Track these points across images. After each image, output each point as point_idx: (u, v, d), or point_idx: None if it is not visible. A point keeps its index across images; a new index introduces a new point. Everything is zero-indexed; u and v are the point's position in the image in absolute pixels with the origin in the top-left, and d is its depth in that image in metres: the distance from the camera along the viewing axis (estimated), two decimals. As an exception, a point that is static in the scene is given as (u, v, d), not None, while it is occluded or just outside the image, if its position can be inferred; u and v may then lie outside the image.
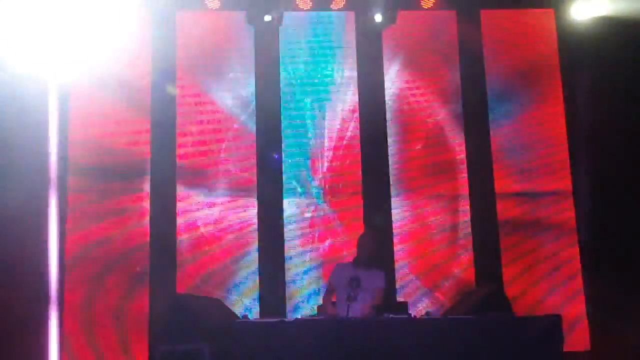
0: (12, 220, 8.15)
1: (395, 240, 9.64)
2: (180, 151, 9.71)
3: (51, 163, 8.85)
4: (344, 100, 10.01)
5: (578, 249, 9.64)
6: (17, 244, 8.28)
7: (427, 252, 9.71)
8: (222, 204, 9.68)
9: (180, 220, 9.56)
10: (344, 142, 9.92)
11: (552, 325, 6.51)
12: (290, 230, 9.68)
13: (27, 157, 8.64)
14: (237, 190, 9.73)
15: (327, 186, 9.82)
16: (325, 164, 9.85)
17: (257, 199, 9.66)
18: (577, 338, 9.09)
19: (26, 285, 8.30)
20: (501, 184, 9.86)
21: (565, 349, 6.56)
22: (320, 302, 7.55)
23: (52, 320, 8.54)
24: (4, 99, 8.37)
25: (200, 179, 9.74)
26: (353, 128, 9.92)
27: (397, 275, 9.45)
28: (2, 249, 8.16)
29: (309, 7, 9.76)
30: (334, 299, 7.31)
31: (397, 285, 9.41)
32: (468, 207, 9.80)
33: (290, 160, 9.83)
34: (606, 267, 9.07)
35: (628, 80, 9.39)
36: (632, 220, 8.77)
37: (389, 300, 7.97)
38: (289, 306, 9.34)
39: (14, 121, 8.45)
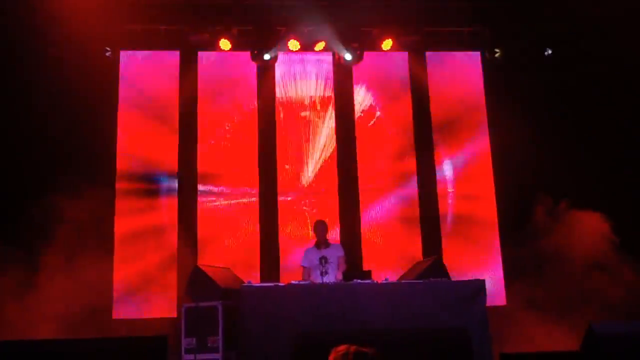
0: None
1: (363, 227, 9.65)
2: (200, 158, 9.68)
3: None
4: (324, 117, 10.03)
5: (498, 233, 9.69)
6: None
7: (388, 235, 9.76)
8: (231, 197, 9.69)
9: (200, 211, 9.51)
10: (325, 152, 9.93)
11: (478, 287, 6.62)
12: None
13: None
14: (243, 187, 9.73)
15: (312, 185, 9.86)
16: (310, 169, 9.89)
17: (259, 194, 9.65)
18: (496, 295, 9.13)
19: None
20: (441, 188, 9.86)
21: (487, 304, 6.65)
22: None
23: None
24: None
25: (215, 179, 9.71)
26: (331, 140, 9.95)
27: (364, 251, 9.53)
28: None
29: (297, 49, 9.74)
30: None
31: (364, 258, 9.48)
32: (418, 203, 9.82)
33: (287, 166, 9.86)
34: (517, 246, 9.17)
35: (537, 106, 9.51)
36: (535, 214, 8.86)
37: (357, 269, 8.07)
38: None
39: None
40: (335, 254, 7.43)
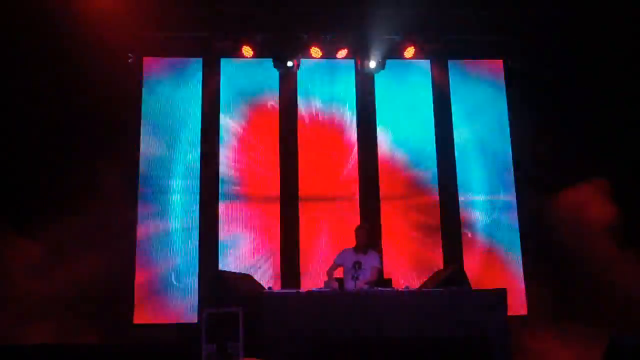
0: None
1: (384, 234, 9.60)
2: (222, 168, 9.70)
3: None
4: (346, 124, 10.02)
5: (520, 241, 9.61)
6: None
7: (409, 243, 9.71)
8: (252, 203, 9.70)
9: (220, 219, 9.55)
10: (346, 159, 9.88)
11: (499, 296, 6.55)
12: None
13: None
14: (264, 192, 9.76)
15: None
16: (331, 175, 9.85)
17: (280, 200, 9.66)
18: (518, 305, 9.05)
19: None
20: (462, 195, 9.80)
21: (508, 314, 6.58)
22: (326, 277, 7.62)
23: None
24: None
25: (236, 184, 9.74)
26: (353, 147, 9.93)
27: (384, 258, 9.44)
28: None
29: (320, 56, 9.76)
30: (336, 275, 7.45)
31: (385, 266, 9.40)
32: (439, 211, 9.77)
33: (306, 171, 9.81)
34: (539, 254, 9.13)
35: (560, 115, 9.42)
36: (558, 221, 8.78)
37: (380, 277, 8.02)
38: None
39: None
40: (371, 262, 7.30)
